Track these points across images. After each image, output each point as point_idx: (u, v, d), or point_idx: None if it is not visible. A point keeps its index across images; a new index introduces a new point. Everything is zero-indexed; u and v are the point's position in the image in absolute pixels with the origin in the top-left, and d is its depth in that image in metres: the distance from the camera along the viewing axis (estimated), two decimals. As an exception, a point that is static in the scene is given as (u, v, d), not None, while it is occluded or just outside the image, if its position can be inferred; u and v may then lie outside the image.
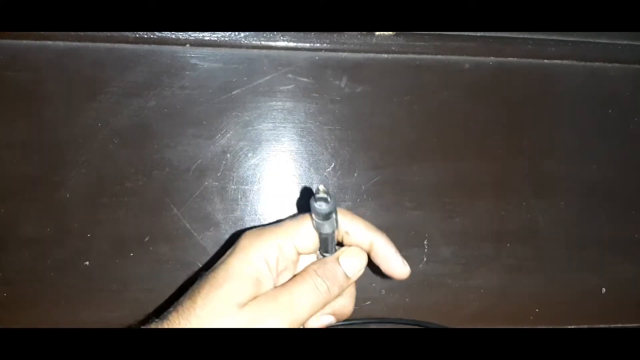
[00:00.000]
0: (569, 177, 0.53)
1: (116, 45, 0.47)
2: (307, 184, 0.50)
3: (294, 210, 0.50)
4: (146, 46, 0.47)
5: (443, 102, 0.51)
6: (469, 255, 0.52)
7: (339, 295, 0.35)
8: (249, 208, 0.49)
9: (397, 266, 0.36)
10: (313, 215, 0.33)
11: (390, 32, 0.49)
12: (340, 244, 0.37)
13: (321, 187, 0.31)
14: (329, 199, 0.31)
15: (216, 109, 0.48)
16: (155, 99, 0.48)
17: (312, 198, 0.31)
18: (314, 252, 0.36)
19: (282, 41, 0.48)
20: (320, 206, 0.31)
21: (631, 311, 0.55)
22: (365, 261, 0.36)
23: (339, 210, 0.34)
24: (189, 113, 0.48)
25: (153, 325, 0.31)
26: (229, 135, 0.49)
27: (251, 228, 0.36)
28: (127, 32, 0.46)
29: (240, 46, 0.48)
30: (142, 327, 0.32)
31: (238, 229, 0.49)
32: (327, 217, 0.32)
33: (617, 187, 0.54)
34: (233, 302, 0.31)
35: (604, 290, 0.54)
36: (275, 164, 0.49)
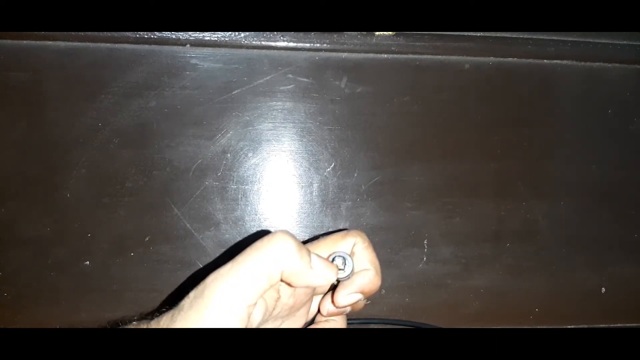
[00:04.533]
0: (569, 177, 0.53)
1: (117, 45, 0.47)
2: (307, 184, 0.50)
3: (294, 210, 0.50)
4: (146, 46, 0.47)
5: (443, 102, 0.51)
6: (468, 255, 0.52)
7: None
8: (249, 208, 0.49)
9: (341, 296, 0.35)
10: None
11: (390, 32, 0.49)
12: None
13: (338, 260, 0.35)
14: (346, 262, 0.35)
15: (216, 109, 0.48)
16: (156, 99, 0.48)
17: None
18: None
19: (282, 41, 0.48)
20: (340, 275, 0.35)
21: (631, 311, 0.55)
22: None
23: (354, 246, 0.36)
24: (190, 113, 0.48)
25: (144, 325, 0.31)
26: (229, 135, 0.49)
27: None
28: (127, 32, 0.46)
29: (241, 46, 0.48)
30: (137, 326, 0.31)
31: (238, 228, 0.49)
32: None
33: (617, 187, 0.54)
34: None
35: (603, 290, 0.54)
36: (276, 164, 0.49)
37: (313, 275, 0.32)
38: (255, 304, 0.30)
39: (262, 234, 0.32)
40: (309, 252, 0.32)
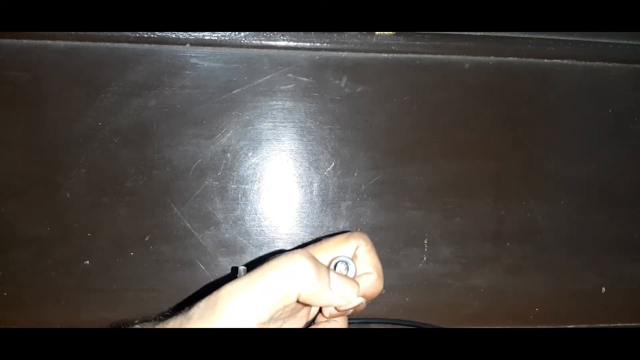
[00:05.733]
0: (569, 177, 0.53)
1: (116, 45, 0.47)
2: (307, 184, 0.50)
3: (294, 209, 0.50)
4: (146, 46, 0.47)
5: (443, 102, 0.51)
6: (468, 255, 0.52)
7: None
8: (249, 207, 0.49)
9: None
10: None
11: (390, 32, 0.49)
12: None
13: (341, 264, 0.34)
14: (349, 268, 0.34)
15: (216, 108, 0.48)
16: (156, 98, 0.48)
17: (333, 269, 0.34)
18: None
19: (282, 41, 0.48)
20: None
21: (631, 311, 0.55)
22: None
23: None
24: (190, 113, 0.48)
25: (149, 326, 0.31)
26: (229, 134, 0.49)
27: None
28: (127, 32, 0.46)
29: (241, 46, 0.48)
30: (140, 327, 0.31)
31: (238, 228, 0.49)
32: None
33: (617, 187, 0.54)
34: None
35: (604, 290, 0.54)
36: (276, 164, 0.49)
37: (332, 296, 0.32)
38: (268, 321, 0.30)
39: (282, 252, 0.32)
40: (327, 272, 0.32)
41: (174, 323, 0.30)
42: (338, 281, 0.32)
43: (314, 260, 0.31)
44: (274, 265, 0.31)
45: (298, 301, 0.31)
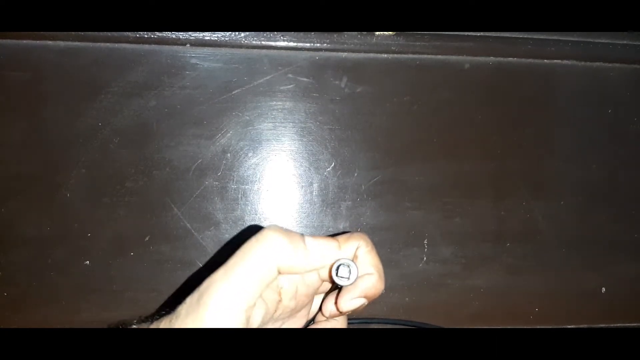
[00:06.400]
0: (569, 177, 0.53)
1: (116, 45, 0.47)
2: (307, 184, 0.50)
3: (294, 210, 0.50)
4: (146, 46, 0.47)
5: (443, 102, 0.51)
6: (468, 255, 0.52)
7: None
8: (249, 207, 0.49)
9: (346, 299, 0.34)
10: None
11: (390, 32, 0.49)
12: None
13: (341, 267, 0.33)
14: (351, 271, 0.33)
15: (216, 108, 0.48)
16: (156, 98, 0.48)
17: (335, 273, 0.33)
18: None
19: (282, 41, 0.48)
20: (342, 280, 0.33)
21: (631, 311, 0.55)
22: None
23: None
24: (190, 113, 0.48)
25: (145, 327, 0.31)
26: (229, 134, 0.49)
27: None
28: (127, 32, 0.46)
29: (241, 46, 0.48)
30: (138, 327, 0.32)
31: (238, 228, 0.49)
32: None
33: (617, 187, 0.54)
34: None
35: (604, 290, 0.54)
36: (276, 164, 0.49)
37: (313, 259, 0.32)
38: (254, 305, 0.30)
39: (255, 228, 0.32)
40: (302, 237, 0.32)
41: (165, 323, 0.30)
42: (313, 242, 0.32)
43: (284, 230, 0.31)
44: (246, 248, 0.31)
45: (282, 273, 0.31)
